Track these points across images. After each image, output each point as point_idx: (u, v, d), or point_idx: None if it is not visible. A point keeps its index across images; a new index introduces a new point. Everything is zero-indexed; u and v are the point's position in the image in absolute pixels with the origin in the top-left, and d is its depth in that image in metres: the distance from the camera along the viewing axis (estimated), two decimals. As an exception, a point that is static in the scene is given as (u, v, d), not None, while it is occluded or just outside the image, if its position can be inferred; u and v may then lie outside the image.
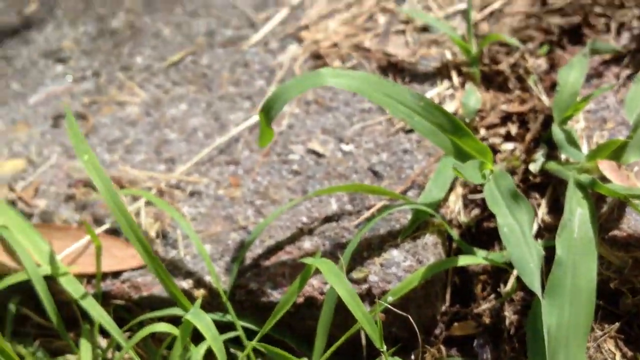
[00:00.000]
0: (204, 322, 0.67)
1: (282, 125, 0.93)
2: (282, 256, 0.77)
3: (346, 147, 0.88)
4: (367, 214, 0.79)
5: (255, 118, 0.94)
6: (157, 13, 1.17)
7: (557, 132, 0.79)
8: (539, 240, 0.75)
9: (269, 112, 0.72)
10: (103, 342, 0.79)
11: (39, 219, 0.87)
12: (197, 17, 1.14)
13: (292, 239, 0.78)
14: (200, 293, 0.76)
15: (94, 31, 1.16)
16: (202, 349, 0.70)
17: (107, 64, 1.09)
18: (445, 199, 0.80)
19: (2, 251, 0.82)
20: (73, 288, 0.77)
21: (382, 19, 1.04)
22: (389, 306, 0.63)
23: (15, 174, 0.95)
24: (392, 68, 0.97)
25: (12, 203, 0.90)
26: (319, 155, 0.87)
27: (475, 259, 0.73)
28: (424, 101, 0.72)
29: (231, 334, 0.73)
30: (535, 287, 0.61)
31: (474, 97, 0.88)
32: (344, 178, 0.84)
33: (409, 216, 0.78)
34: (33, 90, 1.08)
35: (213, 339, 0.66)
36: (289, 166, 0.87)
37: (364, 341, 0.73)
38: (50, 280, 0.79)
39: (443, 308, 0.78)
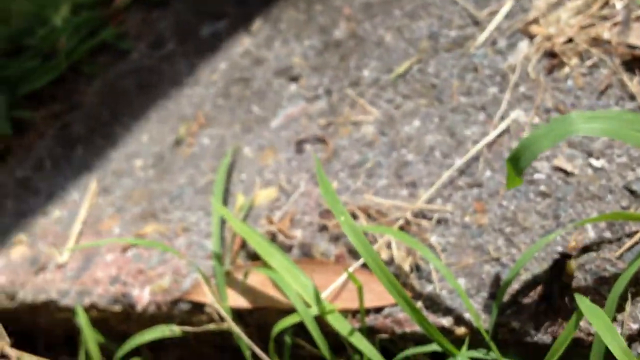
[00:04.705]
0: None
1: (522, 138, 0.89)
2: (540, 292, 0.76)
3: (596, 163, 0.83)
4: (628, 242, 0.75)
5: (493, 134, 0.91)
6: (376, 18, 1.17)
7: None
8: None
9: (517, 164, 0.70)
10: (372, 371, 0.84)
11: (298, 250, 0.93)
12: (417, 18, 1.12)
13: (549, 272, 0.76)
14: (461, 331, 0.78)
15: (319, 44, 1.19)
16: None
17: (336, 80, 1.12)
18: None
19: (272, 287, 0.90)
20: (340, 325, 0.82)
21: (619, 5, 0.95)
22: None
23: (270, 202, 1.02)
24: (639, 62, 0.89)
25: (273, 235, 0.96)
26: (567, 173, 0.83)
27: None
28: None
29: (497, 373, 0.74)
30: None
31: None
32: (597, 199, 0.80)
33: (678, 244, 0.72)
34: (273, 113, 1.14)
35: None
36: (536, 187, 0.84)
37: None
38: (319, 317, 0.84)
39: None
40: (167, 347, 1.02)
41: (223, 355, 1.00)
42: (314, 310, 0.83)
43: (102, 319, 1.04)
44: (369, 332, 0.84)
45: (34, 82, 1.40)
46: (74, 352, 1.10)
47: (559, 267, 0.75)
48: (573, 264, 0.74)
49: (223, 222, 1.01)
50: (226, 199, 1.06)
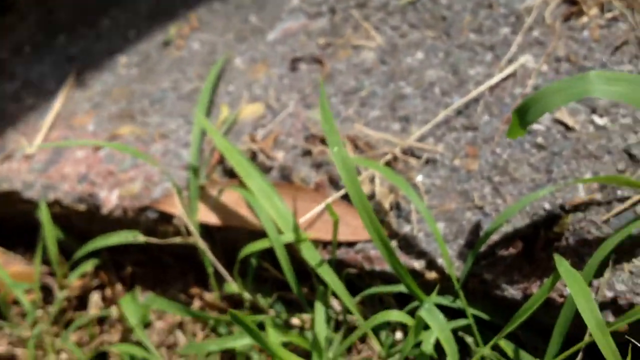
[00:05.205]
0: (436, 320, 0.70)
1: (527, 85, 0.89)
2: (519, 246, 0.77)
3: (599, 120, 0.83)
4: (618, 207, 0.76)
5: (498, 77, 0.91)
6: (394, -64, 1.14)
7: None
8: None
9: (523, 117, 0.70)
10: (335, 302, 0.86)
11: (278, 173, 0.94)
12: (438, -58, 1.10)
13: (532, 228, 0.78)
14: (432, 276, 0.79)
15: (329, -43, 1.16)
16: (432, 338, 0.74)
17: (343, -2, 1.10)
18: None
19: (246, 208, 0.91)
20: (310, 255, 0.83)
21: (655, -45, 0.93)
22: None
23: (255, 119, 1.02)
24: (663, 21, 0.88)
25: (253, 154, 0.97)
26: (567, 127, 0.84)
27: None
28: None
29: (461, 322, 0.76)
30: None
31: None
32: (594, 159, 0.80)
33: (668, 215, 0.73)
34: (270, 25, 1.13)
35: (445, 340, 0.69)
36: (533, 138, 0.84)
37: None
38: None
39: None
40: (127, 250, 1.04)
41: (183, 266, 1.01)
42: (286, 237, 0.84)
43: (64, 215, 1.05)
44: (338, 265, 0.85)
45: (20, -42, 1.37)
46: (31, 244, 1.11)
47: (550, 221, 0.76)
48: (567, 220, 0.75)
49: (203, 133, 1.01)
50: (210, 110, 1.06)
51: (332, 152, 0.77)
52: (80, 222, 1.05)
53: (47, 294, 1.04)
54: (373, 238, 0.76)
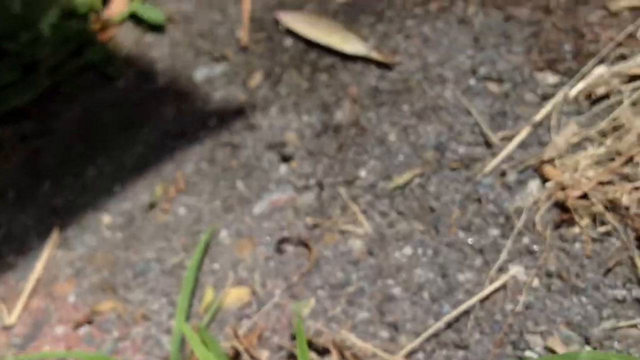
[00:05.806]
0: None
1: (519, 302, 0.82)
2: None
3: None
4: None
5: (489, 289, 0.83)
6: (382, 107, 1.07)
7: None
8: None
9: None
10: None
11: (262, 378, 0.85)
12: (426, 121, 1.03)
13: None
14: None
15: (318, 124, 1.09)
16: None
17: (331, 172, 1.02)
18: None
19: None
20: None
21: (644, 166, 0.87)
22: None
23: (239, 307, 0.93)
24: (655, 244, 0.81)
25: (236, 353, 0.88)
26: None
27: None
28: None
29: None
30: None
31: None
32: (590, 402, 0.72)
33: None
34: (257, 195, 1.05)
35: None
36: (526, 368, 0.77)
37: None
38: None
39: None
40: None
41: None
42: None
43: (41, 399, 0.95)
44: None
45: (10, 100, 1.28)
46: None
47: None
48: None
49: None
50: (194, 289, 0.97)
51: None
52: (56, 408, 0.95)
53: None
54: None
